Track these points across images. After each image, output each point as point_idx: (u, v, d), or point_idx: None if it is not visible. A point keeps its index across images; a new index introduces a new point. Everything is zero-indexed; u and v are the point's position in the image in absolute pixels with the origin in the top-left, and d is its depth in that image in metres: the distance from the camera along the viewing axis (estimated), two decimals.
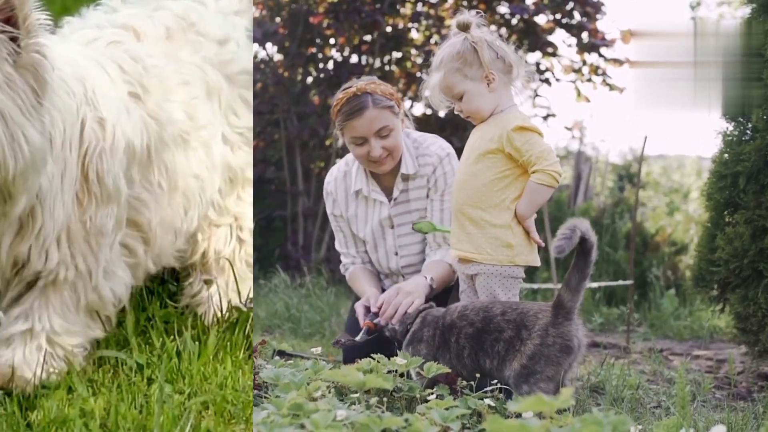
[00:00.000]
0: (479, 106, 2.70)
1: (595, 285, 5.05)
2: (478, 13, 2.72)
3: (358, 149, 3.04)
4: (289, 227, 6.81)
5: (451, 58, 2.69)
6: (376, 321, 2.87)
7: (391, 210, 3.15)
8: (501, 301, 2.62)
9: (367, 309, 3.00)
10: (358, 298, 3.24)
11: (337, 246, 3.34)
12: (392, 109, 3.03)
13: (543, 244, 2.72)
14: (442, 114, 6.61)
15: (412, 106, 6.83)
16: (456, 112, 2.78)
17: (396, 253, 3.19)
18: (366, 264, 3.28)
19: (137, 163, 2.45)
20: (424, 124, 6.64)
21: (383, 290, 3.19)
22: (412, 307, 2.79)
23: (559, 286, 5.03)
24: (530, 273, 5.59)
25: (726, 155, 3.51)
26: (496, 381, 2.50)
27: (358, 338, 2.89)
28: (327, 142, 6.62)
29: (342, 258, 3.33)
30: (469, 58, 2.67)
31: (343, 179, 3.22)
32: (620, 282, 5.10)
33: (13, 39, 2.14)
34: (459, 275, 2.84)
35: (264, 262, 6.52)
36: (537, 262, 2.71)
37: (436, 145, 3.15)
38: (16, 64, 2.14)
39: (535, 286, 5.04)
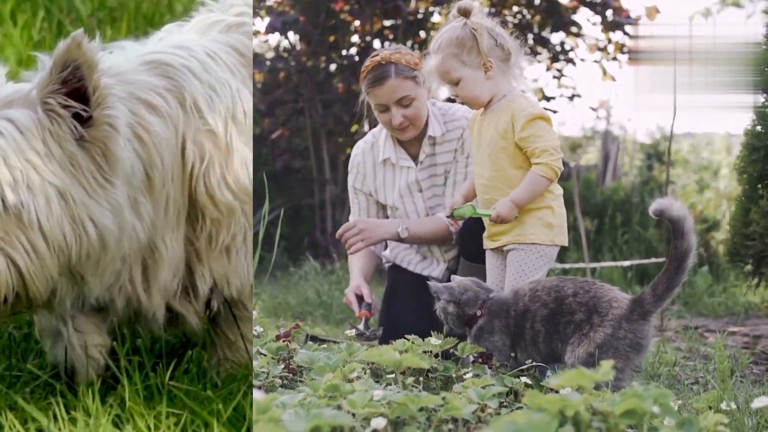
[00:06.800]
0: (475, 93, 2.68)
1: (627, 263, 5.01)
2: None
3: (382, 116, 3.12)
4: (317, 215, 6.82)
5: (450, 43, 2.65)
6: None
7: (419, 174, 3.18)
8: (572, 280, 2.53)
9: (359, 297, 3.02)
10: (393, 287, 3.29)
11: (350, 219, 3.31)
12: (415, 79, 3.06)
13: None
14: None
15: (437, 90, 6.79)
16: (452, 97, 2.78)
17: (427, 215, 3.21)
18: None
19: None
20: None
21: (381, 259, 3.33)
22: (360, 245, 2.98)
23: (591, 265, 5.03)
24: (561, 253, 5.56)
25: (759, 128, 3.46)
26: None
27: (367, 331, 2.96)
28: (353, 129, 6.61)
29: None
30: (467, 45, 2.63)
31: (370, 150, 3.28)
32: (653, 260, 5.05)
33: (77, 115, 1.95)
34: (486, 251, 2.79)
35: (293, 250, 6.54)
36: (566, 241, 2.73)
37: (463, 110, 3.19)
38: (83, 139, 1.96)
39: (567, 266, 5.01)
